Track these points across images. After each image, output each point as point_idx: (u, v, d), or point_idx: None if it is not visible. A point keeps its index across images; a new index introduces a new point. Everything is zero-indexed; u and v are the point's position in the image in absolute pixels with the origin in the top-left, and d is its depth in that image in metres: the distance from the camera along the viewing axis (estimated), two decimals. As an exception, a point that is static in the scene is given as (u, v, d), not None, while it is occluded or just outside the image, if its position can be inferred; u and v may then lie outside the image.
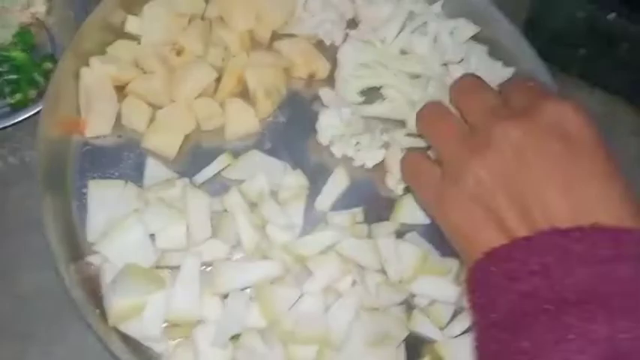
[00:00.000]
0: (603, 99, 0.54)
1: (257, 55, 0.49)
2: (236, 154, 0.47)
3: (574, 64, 0.52)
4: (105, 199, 0.43)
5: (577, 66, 0.52)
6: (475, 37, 0.50)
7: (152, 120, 0.46)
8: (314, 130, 0.48)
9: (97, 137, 0.46)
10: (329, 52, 0.50)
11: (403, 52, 0.49)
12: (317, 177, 0.47)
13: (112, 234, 0.40)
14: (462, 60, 0.49)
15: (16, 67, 0.48)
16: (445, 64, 0.48)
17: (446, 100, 0.41)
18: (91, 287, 0.41)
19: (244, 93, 0.48)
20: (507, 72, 0.49)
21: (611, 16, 0.47)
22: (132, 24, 0.48)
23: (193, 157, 0.47)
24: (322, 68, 0.49)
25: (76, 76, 0.46)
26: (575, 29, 0.50)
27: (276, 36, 0.50)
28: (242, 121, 0.47)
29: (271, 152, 0.47)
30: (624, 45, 0.49)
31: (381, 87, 0.49)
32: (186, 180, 0.44)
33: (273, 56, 0.49)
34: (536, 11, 0.51)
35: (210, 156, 0.46)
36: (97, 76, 0.46)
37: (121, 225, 0.40)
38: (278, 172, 0.46)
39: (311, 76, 0.50)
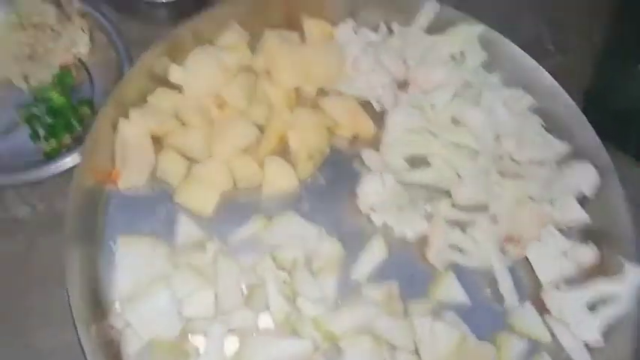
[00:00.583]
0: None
1: (301, 113, 0.47)
2: (272, 213, 0.44)
3: (632, 142, 0.49)
4: (134, 258, 0.41)
5: (635, 145, 0.49)
6: (532, 109, 0.48)
7: (188, 174, 0.45)
8: (354, 193, 0.46)
9: (130, 189, 0.44)
10: (376, 112, 0.48)
11: (454, 121, 0.47)
12: (354, 244, 0.44)
13: (138, 299, 0.39)
14: (520, 130, 0.46)
15: (53, 110, 0.47)
16: (498, 136, 0.46)
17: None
18: (111, 352, 0.39)
19: (285, 150, 0.46)
20: (563, 147, 0.47)
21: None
22: (175, 73, 0.46)
23: (228, 214, 0.44)
24: (367, 129, 0.47)
25: (115, 126, 0.44)
26: (636, 108, 0.47)
27: (322, 92, 0.49)
28: (281, 180, 0.45)
29: (308, 215, 0.45)
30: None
31: (427, 155, 0.47)
32: (217, 244, 0.42)
33: (318, 115, 0.47)
34: (596, 87, 0.48)
35: (245, 213, 0.44)
36: (135, 128, 0.44)
37: (148, 291, 0.39)
38: (313, 237, 0.44)
39: (355, 137, 0.48)
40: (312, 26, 0.49)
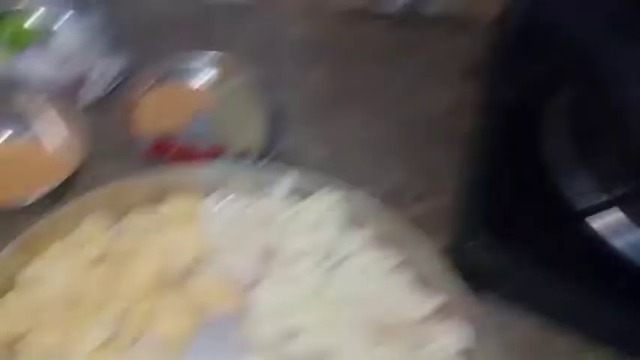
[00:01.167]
0: (537, 323, 0.50)
1: (166, 296, 0.46)
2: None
3: (502, 290, 0.49)
4: None
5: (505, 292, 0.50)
6: (398, 267, 0.48)
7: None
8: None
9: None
10: (243, 287, 0.47)
11: (320, 290, 0.46)
12: None
13: None
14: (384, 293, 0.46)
15: None
16: (364, 301, 0.45)
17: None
18: None
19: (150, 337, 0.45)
20: (432, 303, 0.46)
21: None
22: (30, 271, 0.45)
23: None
24: (235, 305, 0.46)
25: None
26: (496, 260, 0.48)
27: (187, 272, 0.48)
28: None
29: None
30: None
31: (298, 326, 0.45)
32: None
33: (184, 297, 0.46)
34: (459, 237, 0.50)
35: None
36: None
37: None
38: None
39: (224, 314, 0.47)
40: (177, 204, 0.49)
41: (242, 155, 0.56)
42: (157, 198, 0.50)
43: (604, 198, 0.44)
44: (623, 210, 0.45)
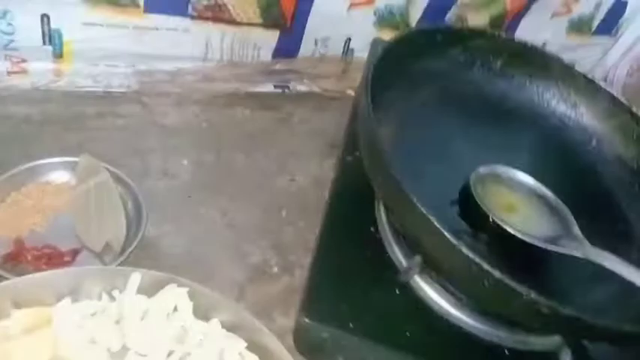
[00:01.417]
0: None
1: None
2: None
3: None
4: None
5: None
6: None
7: None
8: None
9: None
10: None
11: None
12: None
13: None
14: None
15: None
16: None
17: None
18: None
19: None
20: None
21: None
22: None
23: None
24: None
25: None
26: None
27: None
28: None
29: None
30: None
31: None
32: None
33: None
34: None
35: None
36: None
37: None
38: None
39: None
40: (21, 317, 0.49)
41: (102, 253, 0.57)
42: (2, 312, 0.49)
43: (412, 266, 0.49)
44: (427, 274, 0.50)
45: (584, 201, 0.57)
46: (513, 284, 0.38)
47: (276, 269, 0.60)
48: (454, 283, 0.48)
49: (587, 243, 0.50)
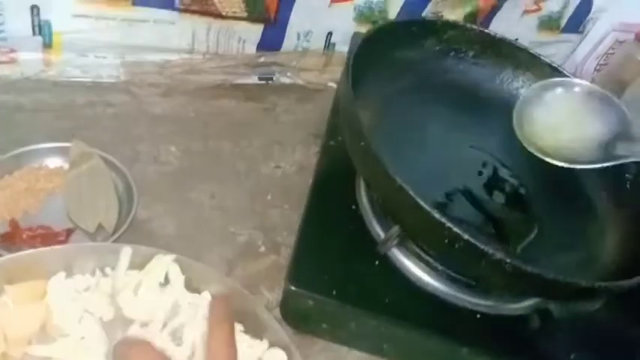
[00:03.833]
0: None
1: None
2: None
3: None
4: None
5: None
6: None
7: None
8: None
9: None
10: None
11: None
12: None
13: None
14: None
15: None
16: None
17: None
18: None
19: None
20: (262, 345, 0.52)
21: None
22: None
23: None
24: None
25: None
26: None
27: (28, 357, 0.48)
28: None
29: None
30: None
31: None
32: None
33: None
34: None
35: None
36: None
37: None
38: None
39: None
40: (16, 292, 0.51)
41: (95, 235, 0.60)
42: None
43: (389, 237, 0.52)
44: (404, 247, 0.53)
45: (549, 178, 0.61)
46: (481, 245, 0.42)
47: (263, 248, 0.63)
48: (429, 249, 0.51)
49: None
